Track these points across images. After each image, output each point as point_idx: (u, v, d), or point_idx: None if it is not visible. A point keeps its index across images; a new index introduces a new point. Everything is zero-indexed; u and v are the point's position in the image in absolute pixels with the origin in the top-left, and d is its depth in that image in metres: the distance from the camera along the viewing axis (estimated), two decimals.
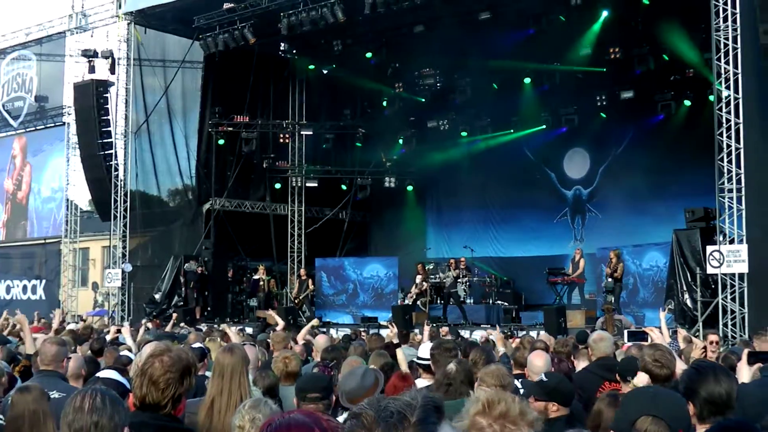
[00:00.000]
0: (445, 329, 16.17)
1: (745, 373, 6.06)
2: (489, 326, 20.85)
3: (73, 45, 33.54)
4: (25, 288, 39.47)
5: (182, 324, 19.59)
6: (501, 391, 2.83)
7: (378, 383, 5.80)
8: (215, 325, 21.99)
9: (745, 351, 6.65)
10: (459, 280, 25.38)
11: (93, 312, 34.14)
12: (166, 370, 4.20)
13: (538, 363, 7.10)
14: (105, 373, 5.35)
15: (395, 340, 10.29)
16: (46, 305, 35.05)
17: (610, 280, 23.20)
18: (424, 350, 8.09)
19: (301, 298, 27.99)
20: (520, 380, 6.94)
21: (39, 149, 38.94)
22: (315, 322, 15.27)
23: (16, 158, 40.13)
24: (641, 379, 6.26)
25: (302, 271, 29.46)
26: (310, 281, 28.58)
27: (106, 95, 29.69)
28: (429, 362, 7.80)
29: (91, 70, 30.01)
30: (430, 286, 26.33)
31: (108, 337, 12.99)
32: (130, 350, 10.08)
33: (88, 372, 7.49)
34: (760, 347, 9.51)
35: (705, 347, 7.51)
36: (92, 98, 29.23)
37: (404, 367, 8.63)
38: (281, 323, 14.87)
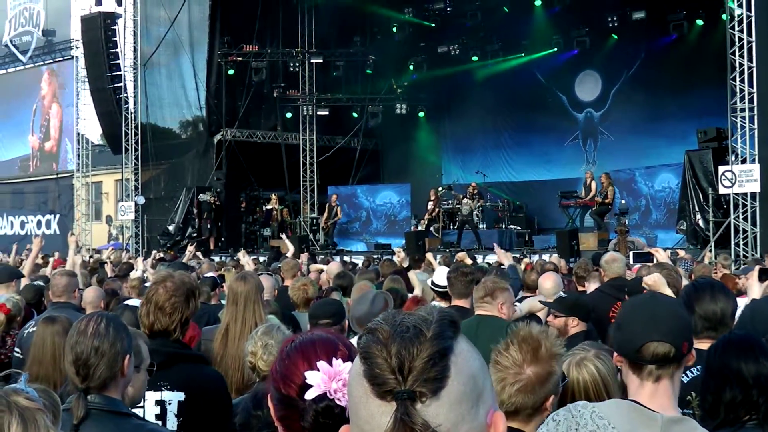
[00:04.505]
0: (461, 254, 16.12)
1: (756, 289, 6.10)
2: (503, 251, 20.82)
3: None
4: (39, 223, 39.81)
5: (198, 254, 19.72)
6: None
7: (387, 307, 5.75)
8: (231, 256, 22.12)
9: (756, 267, 6.68)
10: (473, 210, 25.35)
11: (108, 245, 34.35)
12: (171, 294, 4.25)
13: (547, 285, 7.13)
14: (133, 302, 5.40)
15: (405, 264, 10.31)
16: (60, 240, 35.33)
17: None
18: (439, 276, 7.99)
19: (329, 224, 28.19)
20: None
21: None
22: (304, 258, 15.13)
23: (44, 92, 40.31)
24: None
25: (333, 197, 29.04)
26: (338, 209, 28.54)
27: (114, 27, 29.55)
28: (444, 289, 7.75)
29: (98, 2, 29.80)
30: (442, 212, 26.34)
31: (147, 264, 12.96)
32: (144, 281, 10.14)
33: (106, 302, 7.54)
34: None
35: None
36: (100, 31, 29.08)
37: (418, 290, 8.61)
38: (291, 249, 14.91)
